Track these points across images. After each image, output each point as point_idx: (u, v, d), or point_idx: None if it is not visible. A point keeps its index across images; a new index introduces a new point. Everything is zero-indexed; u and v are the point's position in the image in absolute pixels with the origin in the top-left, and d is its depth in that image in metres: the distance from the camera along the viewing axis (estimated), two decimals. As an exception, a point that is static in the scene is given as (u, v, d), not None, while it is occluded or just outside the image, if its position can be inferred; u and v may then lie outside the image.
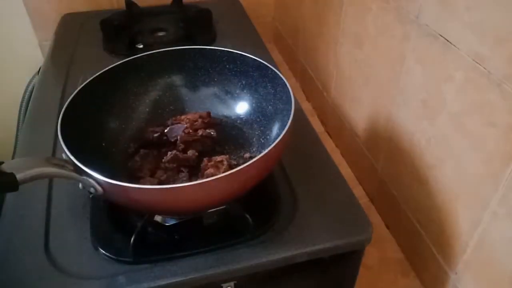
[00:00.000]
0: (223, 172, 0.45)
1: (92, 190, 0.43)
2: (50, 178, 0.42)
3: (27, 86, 1.01)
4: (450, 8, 0.51)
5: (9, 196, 0.55)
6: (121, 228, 0.51)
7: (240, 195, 0.47)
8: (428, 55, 0.56)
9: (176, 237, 0.50)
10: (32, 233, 0.50)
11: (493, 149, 0.48)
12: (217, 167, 0.51)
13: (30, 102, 0.75)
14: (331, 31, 0.85)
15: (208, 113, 0.60)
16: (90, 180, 0.42)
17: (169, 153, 0.54)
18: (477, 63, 0.48)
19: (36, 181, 0.54)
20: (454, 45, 0.51)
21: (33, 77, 1.01)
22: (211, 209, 0.49)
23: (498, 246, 0.50)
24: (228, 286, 0.48)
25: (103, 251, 0.48)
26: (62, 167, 0.42)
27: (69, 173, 0.42)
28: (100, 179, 0.41)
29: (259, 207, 0.53)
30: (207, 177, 0.42)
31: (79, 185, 0.43)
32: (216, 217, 0.51)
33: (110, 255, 0.47)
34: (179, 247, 0.48)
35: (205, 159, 0.53)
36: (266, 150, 0.42)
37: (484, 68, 0.47)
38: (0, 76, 1.07)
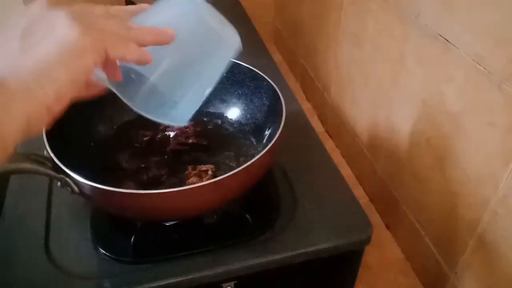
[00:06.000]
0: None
1: (68, 189, 0.42)
2: (27, 173, 0.42)
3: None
4: (450, 8, 0.51)
5: (10, 196, 0.55)
6: (121, 228, 0.51)
7: (222, 204, 0.47)
8: (428, 55, 0.56)
9: (176, 237, 0.50)
10: (32, 233, 0.50)
11: (493, 149, 0.48)
12: (200, 176, 0.50)
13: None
14: (331, 31, 0.85)
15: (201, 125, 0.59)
16: (67, 179, 0.42)
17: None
18: (477, 63, 0.48)
19: (36, 181, 0.55)
20: (454, 45, 0.51)
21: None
22: (194, 216, 0.49)
23: (498, 246, 0.50)
24: (228, 286, 0.48)
25: (103, 251, 0.48)
26: (41, 163, 0.42)
27: (46, 170, 0.42)
28: (75, 179, 0.41)
29: (259, 207, 0.53)
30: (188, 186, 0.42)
31: (58, 183, 0.43)
32: (216, 217, 0.51)
33: (110, 255, 0.47)
34: (179, 247, 0.48)
35: (190, 167, 0.52)
36: (244, 166, 0.42)
37: (484, 68, 0.47)
38: None
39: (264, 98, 0.57)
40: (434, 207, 0.60)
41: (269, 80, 0.55)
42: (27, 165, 0.42)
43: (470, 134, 0.51)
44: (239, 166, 0.41)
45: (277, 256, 0.47)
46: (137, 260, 0.47)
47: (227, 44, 0.39)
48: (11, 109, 0.25)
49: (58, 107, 0.28)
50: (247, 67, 0.57)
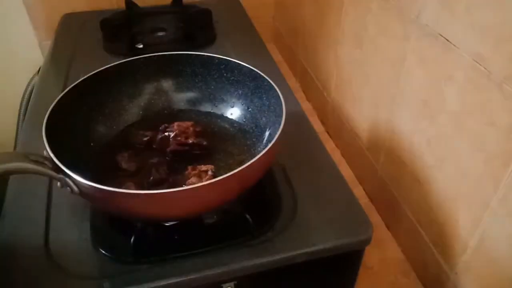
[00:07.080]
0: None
1: (68, 189, 0.42)
2: (26, 173, 0.42)
3: (27, 86, 1.01)
4: (451, 8, 0.51)
5: (10, 196, 0.55)
6: (121, 228, 0.51)
7: (222, 204, 0.47)
8: (428, 55, 0.56)
9: (176, 237, 0.50)
10: (32, 233, 0.50)
11: (493, 149, 0.48)
12: (200, 176, 0.50)
13: (30, 102, 0.75)
14: (331, 31, 0.85)
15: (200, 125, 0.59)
16: (67, 179, 0.42)
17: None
18: (477, 63, 0.48)
19: (36, 181, 0.55)
20: (454, 45, 0.51)
21: (33, 77, 1.01)
22: (194, 216, 0.49)
23: (498, 247, 0.50)
24: (228, 286, 0.48)
25: (103, 251, 0.48)
26: (40, 164, 0.42)
27: (45, 170, 0.42)
28: (75, 179, 0.41)
29: (259, 207, 0.53)
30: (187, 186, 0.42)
31: (57, 184, 0.43)
32: (216, 217, 0.51)
33: (110, 255, 0.47)
34: (179, 247, 0.48)
35: (189, 167, 0.52)
36: (244, 166, 0.42)
37: (485, 68, 0.47)
38: (0, 76, 1.07)
39: (264, 98, 0.57)
40: (435, 207, 0.60)
41: (269, 80, 0.55)
42: (27, 165, 0.41)
43: (470, 134, 0.51)
44: (239, 166, 0.41)
45: (277, 256, 0.47)
46: (137, 260, 0.47)
47: None
48: None
49: None
50: (247, 67, 0.57)
